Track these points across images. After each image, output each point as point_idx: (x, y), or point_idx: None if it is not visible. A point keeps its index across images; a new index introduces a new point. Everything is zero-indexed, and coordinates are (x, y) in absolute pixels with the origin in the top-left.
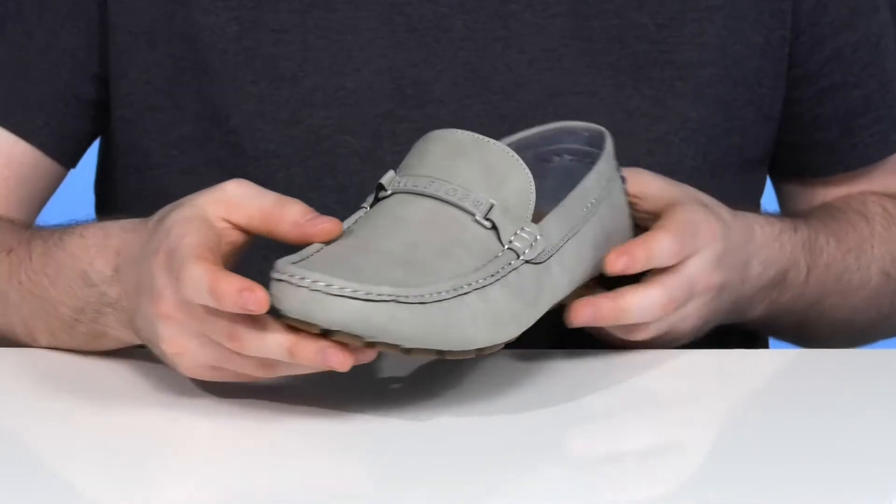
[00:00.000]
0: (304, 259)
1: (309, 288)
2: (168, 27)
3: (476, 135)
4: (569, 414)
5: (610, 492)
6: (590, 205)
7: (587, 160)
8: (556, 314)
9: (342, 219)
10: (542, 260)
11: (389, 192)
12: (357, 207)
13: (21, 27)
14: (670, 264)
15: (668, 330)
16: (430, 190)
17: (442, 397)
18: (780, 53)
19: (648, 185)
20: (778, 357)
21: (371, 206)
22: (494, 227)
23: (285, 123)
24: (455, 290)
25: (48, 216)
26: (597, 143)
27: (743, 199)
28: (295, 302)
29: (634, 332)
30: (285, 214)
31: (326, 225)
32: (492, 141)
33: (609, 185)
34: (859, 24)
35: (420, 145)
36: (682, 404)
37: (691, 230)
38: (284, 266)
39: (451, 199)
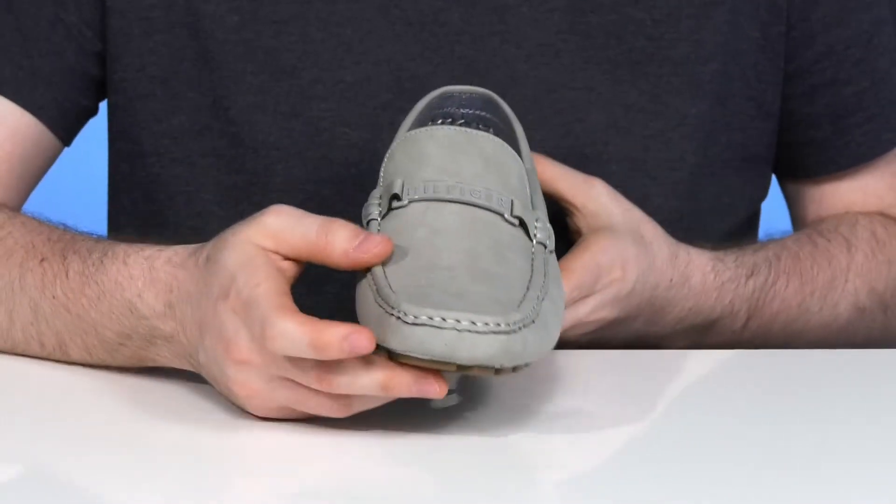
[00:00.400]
0: (403, 293)
1: (456, 329)
2: (167, 15)
3: (463, 129)
4: (567, 413)
5: (610, 491)
6: (535, 175)
7: (460, 122)
8: None
9: (341, 212)
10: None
11: (406, 201)
12: (353, 200)
13: (29, 2)
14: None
15: None
16: (454, 195)
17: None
18: (777, 48)
19: (593, 201)
20: (777, 357)
21: (383, 216)
22: (522, 224)
23: (285, 115)
24: (538, 298)
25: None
26: (473, 104)
27: (744, 197)
28: (438, 345)
29: None
30: (333, 243)
31: (377, 249)
32: (480, 133)
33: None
34: (851, 21)
35: (407, 147)
36: (682, 404)
37: (593, 275)
38: (412, 308)
39: (477, 201)
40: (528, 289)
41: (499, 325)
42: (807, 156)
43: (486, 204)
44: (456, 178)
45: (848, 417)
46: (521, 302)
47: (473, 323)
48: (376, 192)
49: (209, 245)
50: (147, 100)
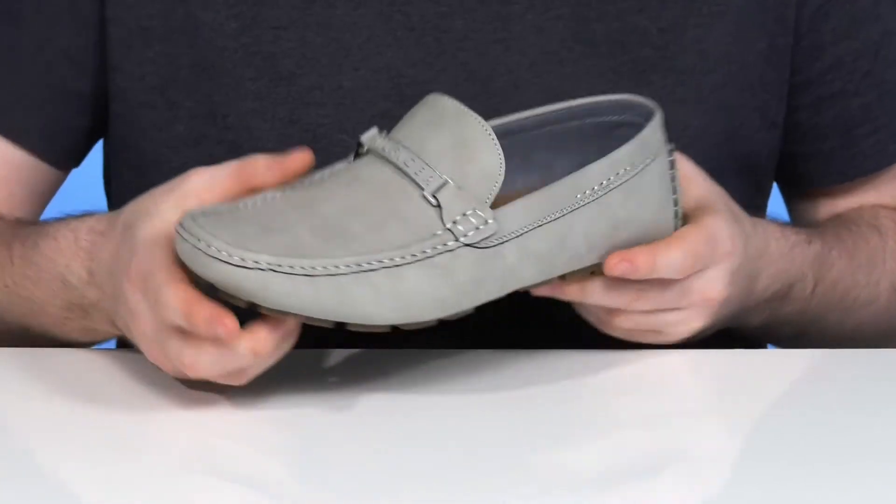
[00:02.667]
0: (215, 214)
1: (193, 245)
2: (166, 24)
3: (462, 106)
4: (566, 414)
5: (608, 492)
6: (589, 191)
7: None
8: (549, 316)
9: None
10: (489, 245)
11: (365, 149)
12: None
13: (15, 26)
14: (676, 278)
15: (657, 329)
16: (393, 156)
17: (443, 399)
18: (784, 60)
19: (685, 178)
20: (778, 357)
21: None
22: (439, 206)
23: (283, 122)
24: (357, 266)
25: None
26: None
27: (745, 207)
28: (183, 252)
29: (616, 317)
30: (256, 164)
31: (301, 153)
32: (474, 115)
33: (633, 170)
34: (860, 33)
35: (415, 107)
36: (682, 404)
37: (710, 245)
38: (186, 219)
39: (406, 169)
40: (364, 254)
41: (231, 256)
42: (814, 167)
43: (412, 175)
44: (411, 143)
45: (849, 417)
46: (326, 258)
47: (209, 245)
48: None
49: (127, 209)
50: (147, 109)
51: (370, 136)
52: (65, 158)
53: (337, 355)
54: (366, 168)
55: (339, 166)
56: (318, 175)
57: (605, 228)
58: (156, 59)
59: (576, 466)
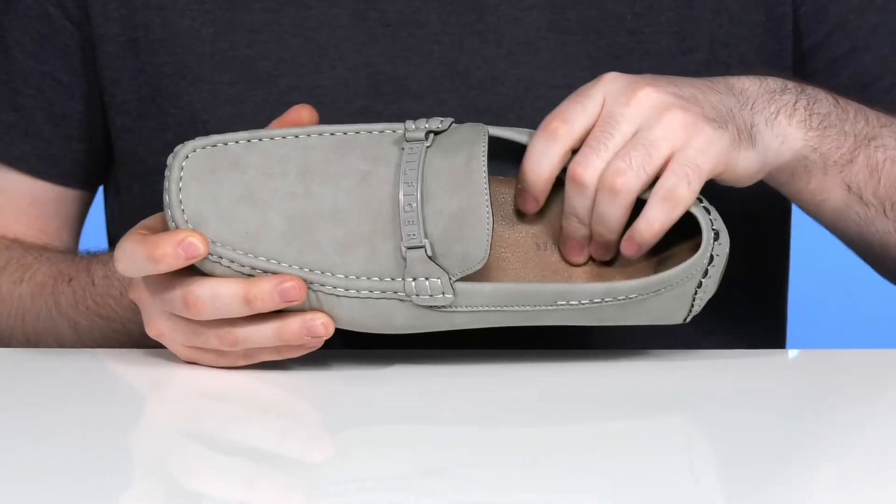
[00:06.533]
0: (217, 157)
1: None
2: (146, 35)
3: (483, 177)
4: (567, 414)
5: (608, 493)
6: (575, 302)
7: None
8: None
9: None
10: (438, 307)
11: (400, 132)
12: None
13: (4, 55)
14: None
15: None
16: (403, 184)
17: (443, 399)
18: (783, 31)
19: None
20: (779, 357)
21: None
22: (405, 260)
23: (262, 124)
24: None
25: None
26: None
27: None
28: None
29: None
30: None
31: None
32: (487, 194)
33: (637, 297)
34: None
35: (470, 131)
36: (683, 404)
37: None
38: (178, 154)
39: (401, 214)
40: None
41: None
42: None
43: (402, 222)
44: (431, 178)
45: (849, 417)
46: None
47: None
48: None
49: None
50: (146, 119)
51: (414, 128)
52: (85, 181)
53: (337, 355)
54: (385, 172)
55: (389, 140)
56: (374, 133)
57: (586, 322)
58: (145, 69)
59: (576, 466)
